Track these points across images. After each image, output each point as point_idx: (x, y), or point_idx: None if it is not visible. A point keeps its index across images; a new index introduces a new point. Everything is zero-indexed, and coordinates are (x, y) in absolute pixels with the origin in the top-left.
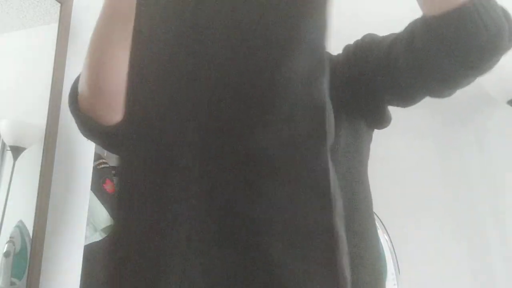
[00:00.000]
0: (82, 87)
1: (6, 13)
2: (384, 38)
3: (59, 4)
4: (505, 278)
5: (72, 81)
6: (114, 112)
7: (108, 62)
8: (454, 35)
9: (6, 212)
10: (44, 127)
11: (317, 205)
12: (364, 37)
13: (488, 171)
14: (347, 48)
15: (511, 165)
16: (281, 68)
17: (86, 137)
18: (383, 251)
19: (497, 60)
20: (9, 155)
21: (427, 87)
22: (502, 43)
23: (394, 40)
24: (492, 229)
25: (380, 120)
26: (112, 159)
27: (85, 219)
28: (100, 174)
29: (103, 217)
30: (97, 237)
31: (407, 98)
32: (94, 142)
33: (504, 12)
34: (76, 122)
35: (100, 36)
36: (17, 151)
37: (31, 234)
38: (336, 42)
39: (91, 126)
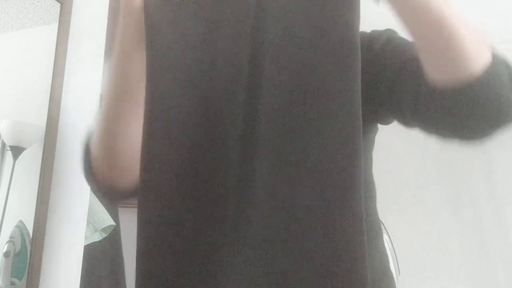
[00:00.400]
0: (96, 157)
1: (6, 13)
2: (399, 52)
3: (59, 4)
4: (506, 277)
5: (72, 82)
6: (129, 178)
7: (121, 136)
8: (458, 111)
9: (6, 212)
10: (44, 127)
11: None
12: (382, 35)
13: (488, 170)
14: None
15: (511, 165)
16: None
17: (105, 199)
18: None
19: (500, 131)
20: (9, 155)
21: (423, 131)
22: (506, 119)
23: (404, 69)
24: (492, 229)
25: (382, 120)
26: None
27: (85, 219)
28: None
29: (103, 217)
30: (97, 237)
31: (402, 124)
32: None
33: None
34: (92, 188)
35: (110, 111)
36: (17, 151)
37: (31, 234)
38: None
39: (108, 192)
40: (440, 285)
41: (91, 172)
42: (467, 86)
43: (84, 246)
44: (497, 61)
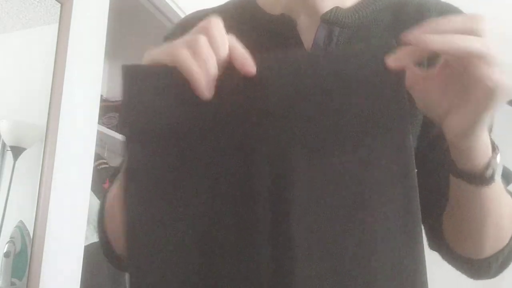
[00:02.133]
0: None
1: (6, 13)
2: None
3: (59, 5)
4: (506, 277)
5: (72, 82)
6: None
7: None
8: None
9: (6, 212)
10: (44, 127)
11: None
12: None
13: None
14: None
15: (511, 165)
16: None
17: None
18: None
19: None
20: (9, 155)
21: None
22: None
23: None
24: None
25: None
26: (112, 160)
27: (85, 219)
28: (100, 174)
29: None
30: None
31: None
32: None
33: None
34: (110, 260)
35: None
36: (17, 151)
37: (31, 234)
38: None
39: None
40: (440, 285)
41: (111, 253)
42: (486, 258)
43: (84, 246)
44: None
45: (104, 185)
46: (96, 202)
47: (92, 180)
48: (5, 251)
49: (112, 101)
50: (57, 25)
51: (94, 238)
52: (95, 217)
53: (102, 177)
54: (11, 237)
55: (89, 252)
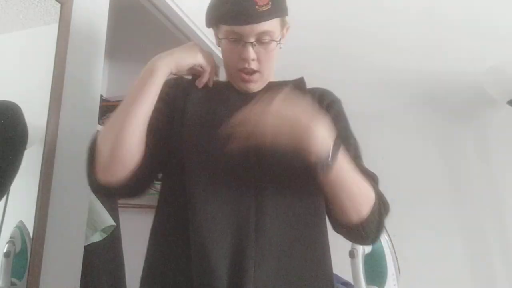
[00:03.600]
0: (101, 152)
1: (6, 13)
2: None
3: (59, 5)
4: (505, 278)
5: (72, 82)
6: (123, 173)
7: (128, 136)
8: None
9: (6, 212)
10: (44, 127)
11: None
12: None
13: (489, 170)
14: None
15: (511, 165)
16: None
17: (101, 193)
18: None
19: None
20: None
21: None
22: (375, 234)
23: None
24: (492, 229)
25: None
26: None
27: (85, 219)
28: None
29: (104, 217)
30: (97, 237)
31: None
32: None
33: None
34: (90, 182)
35: (127, 117)
36: None
37: (31, 234)
38: None
39: (103, 185)
40: (440, 285)
41: (94, 167)
42: (356, 225)
43: (84, 246)
44: (377, 196)
45: None
46: (97, 203)
47: None
48: (5, 251)
49: (112, 101)
50: (57, 25)
51: (95, 238)
52: (95, 217)
53: None
54: (11, 237)
55: (90, 252)
